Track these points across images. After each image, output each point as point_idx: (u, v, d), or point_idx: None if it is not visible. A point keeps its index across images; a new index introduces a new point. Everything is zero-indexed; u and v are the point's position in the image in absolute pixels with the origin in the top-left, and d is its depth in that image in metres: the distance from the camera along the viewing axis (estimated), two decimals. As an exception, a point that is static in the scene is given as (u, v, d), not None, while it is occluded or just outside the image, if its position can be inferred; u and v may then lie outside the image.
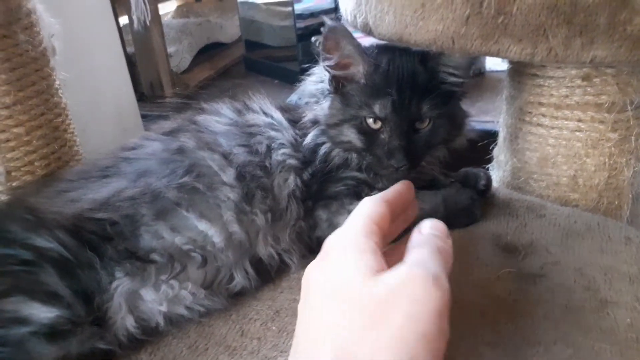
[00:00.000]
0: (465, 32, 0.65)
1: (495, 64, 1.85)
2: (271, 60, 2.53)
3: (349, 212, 0.72)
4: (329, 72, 0.73)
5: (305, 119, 0.77)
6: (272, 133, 0.76)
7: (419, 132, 0.72)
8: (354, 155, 0.76)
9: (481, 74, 1.79)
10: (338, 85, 0.74)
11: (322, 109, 0.75)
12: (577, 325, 0.57)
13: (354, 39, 0.69)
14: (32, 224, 0.60)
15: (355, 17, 0.76)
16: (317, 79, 0.79)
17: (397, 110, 0.70)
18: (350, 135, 0.73)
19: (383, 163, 0.72)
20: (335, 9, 0.87)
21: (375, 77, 0.71)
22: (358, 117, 0.72)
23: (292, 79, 2.25)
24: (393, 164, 0.70)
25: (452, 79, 0.72)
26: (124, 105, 1.67)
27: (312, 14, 2.32)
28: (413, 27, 0.68)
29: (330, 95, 0.75)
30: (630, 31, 0.62)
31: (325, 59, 0.72)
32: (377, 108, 0.70)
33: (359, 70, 0.72)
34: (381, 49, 0.75)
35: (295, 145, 0.76)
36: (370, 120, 0.72)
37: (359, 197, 0.74)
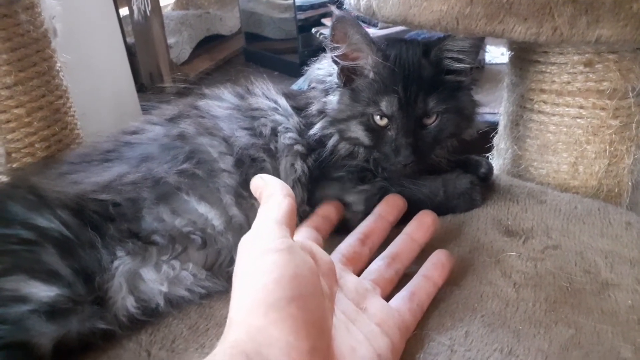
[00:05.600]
0: (470, 12, 0.65)
1: (494, 57, 1.85)
2: (271, 52, 2.53)
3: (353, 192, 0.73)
4: (337, 62, 0.73)
5: (312, 109, 0.77)
6: (278, 117, 0.76)
7: (427, 127, 0.73)
8: (361, 149, 0.76)
9: (481, 66, 1.79)
10: (347, 79, 0.74)
11: (330, 102, 0.75)
12: (578, 307, 0.58)
13: (362, 28, 0.69)
14: (34, 204, 0.60)
15: (358, 0, 0.76)
16: (326, 72, 0.79)
17: (404, 108, 0.70)
18: (357, 132, 0.74)
19: (390, 159, 0.72)
20: (336, 0, 0.87)
21: (382, 71, 0.71)
22: (365, 114, 0.72)
23: (292, 70, 2.28)
24: (400, 161, 0.71)
25: (458, 65, 0.72)
26: (123, 95, 1.66)
27: (313, 6, 2.32)
28: (417, 8, 0.68)
29: (339, 89, 0.75)
30: (637, 9, 0.62)
31: (333, 49, 0.72)
32: (383, 105, 0.71)
33: (367, 62, 0.72)
34: (389, 41, 0.75)
35: (300, 132, 0.76)
36: (377, 117, 0.72)
37: (362, 181, 0.75)
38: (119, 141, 0.73)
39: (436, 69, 0.72)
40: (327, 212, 0.71)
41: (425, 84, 0.70)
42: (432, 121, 0.73)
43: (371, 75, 0.73)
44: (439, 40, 0.72)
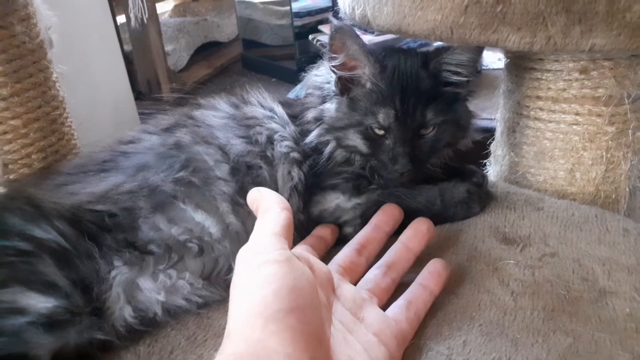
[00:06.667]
0: (464, 21, 0.65)
1: (491, 62, 1.85)
2: (268, 59, 2.53)
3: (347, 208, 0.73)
4: (335, 72, 0.74)
5: (309, 115, 0.77)
6: (273, 125, 0.76)
7: (424, 137, 0.73)
8: (358, 157, 0.77)
9: (478, 72, 1.80)
10: (344, 87, 0.75)
11: (328, 109, 0.76)
12: (576, 315, 0.58)
13: (360, 39, 0.70)
14: (31, 215, 0.60)
15: (353, 9, 0.77)
16: (324, 79, 0.79)
17: (401, 119, 0.71)
18: (355, 140, 0.74)
19: (388, 168, 0.73)
20: (333, 7, 0.87)
21: (380, 82, 0.72)
22: (363, 124, 0.73)
23: (289, 77, 2.29)
24: (398, 169, 0.72)
25: (456, 78, 0.73)
26: (121, 103, 1.67)
27: (310, 13, 2.34)
28: (411, 18, 0.69)
29: (337, 97, 0.75)
30: (630, 18, 0.62)
31: (331, 59, 0.72)
32: (381, 117, 0.71)
33: (364, 72, 0.72)
34: (387, 52, 0.76)
35: (296, 140, 0.76)
36: (375, 128, 0.72)
37: (358, 189, 0.75)
38: (115, 151, 0.73)
39: (434, 80, 0.72)
40: (322, 233, 0.72)
41: (424, 96, 0.71)
42: (429, 131, 0.73)
43: (368, 85, 0.73)
44: (438, 53, 0.72)
